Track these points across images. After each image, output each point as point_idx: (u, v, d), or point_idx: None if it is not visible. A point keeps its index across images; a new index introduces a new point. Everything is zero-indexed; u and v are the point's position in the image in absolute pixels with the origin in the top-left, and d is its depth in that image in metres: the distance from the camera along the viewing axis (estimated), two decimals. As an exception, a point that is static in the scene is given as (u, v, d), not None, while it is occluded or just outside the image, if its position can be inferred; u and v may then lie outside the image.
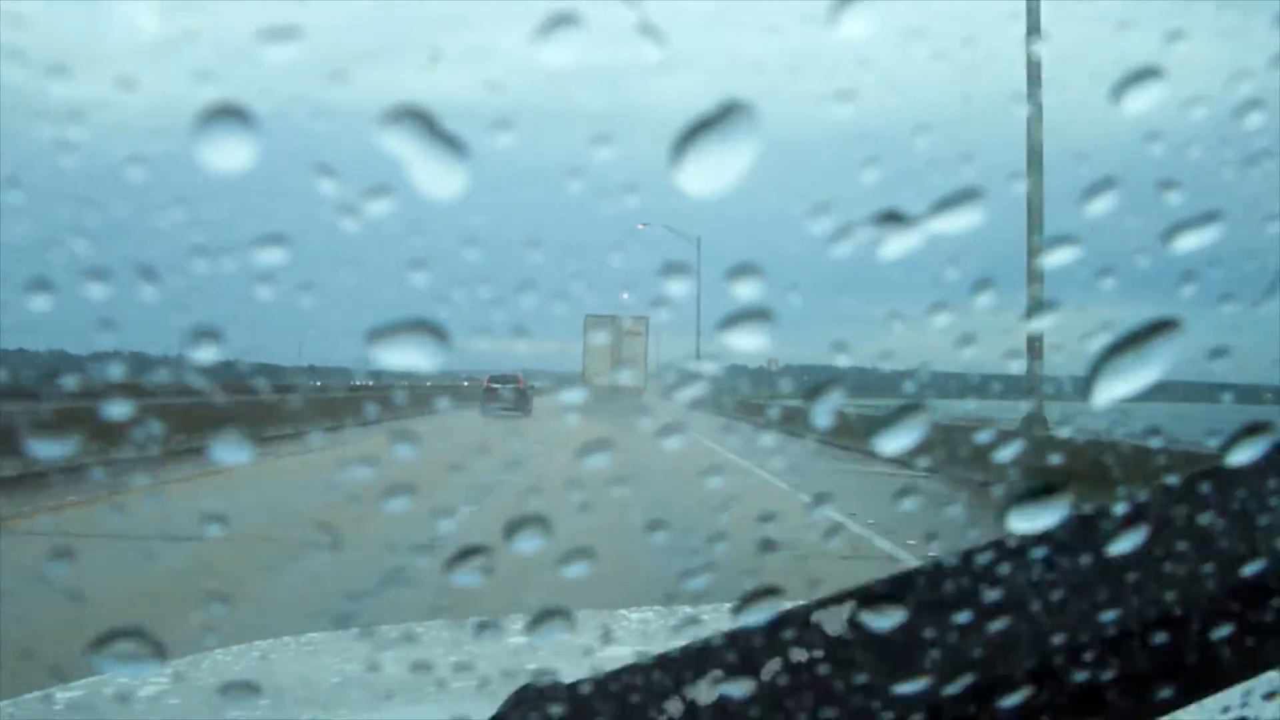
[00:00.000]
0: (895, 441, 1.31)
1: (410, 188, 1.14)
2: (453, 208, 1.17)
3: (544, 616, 1.39)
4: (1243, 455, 1.41)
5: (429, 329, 1.14)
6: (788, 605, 1.20)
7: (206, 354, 1.33)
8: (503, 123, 1.57)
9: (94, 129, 1.55)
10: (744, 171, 1.11)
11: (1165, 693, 1.15)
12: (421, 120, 1.10)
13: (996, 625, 1.16)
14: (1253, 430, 1.40)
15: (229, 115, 1.13)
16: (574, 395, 2.01)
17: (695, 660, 1.18)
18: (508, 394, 34.31)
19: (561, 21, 1.27)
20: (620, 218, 2.06)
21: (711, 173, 1.12)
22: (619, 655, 2.13)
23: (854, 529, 13.95)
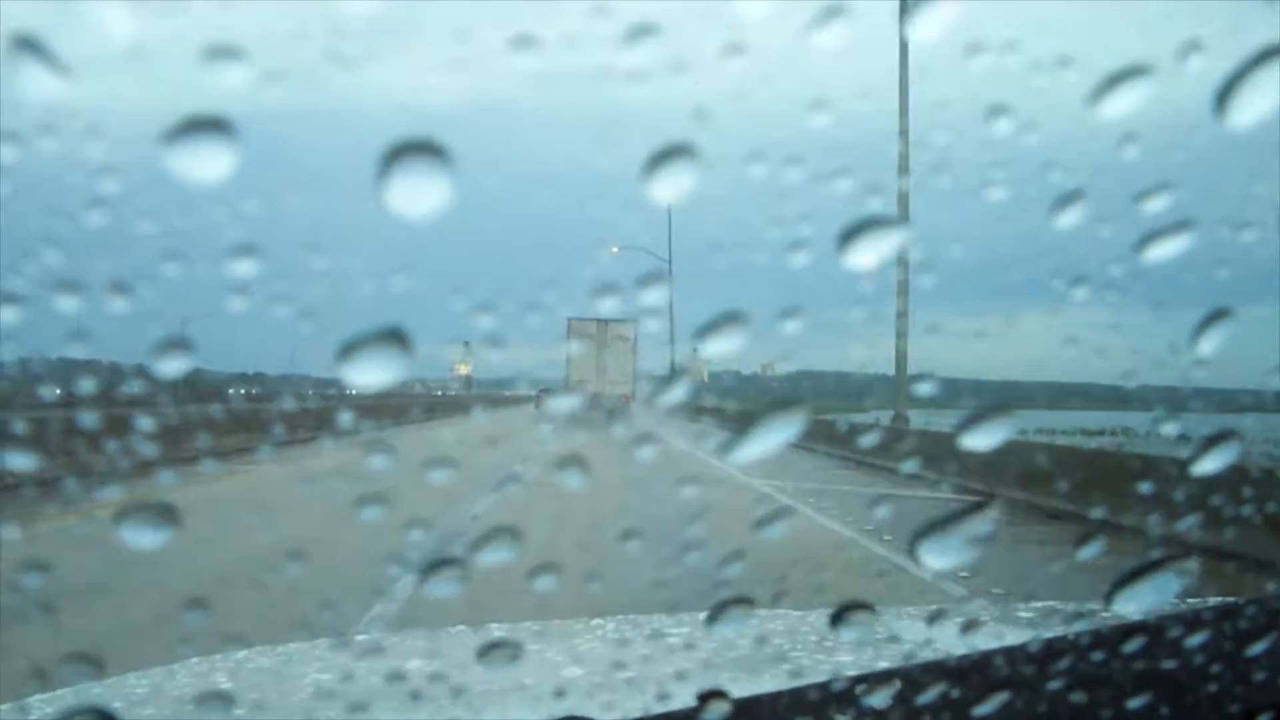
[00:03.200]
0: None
1: (388, 199, 1.13)
2: (430, 219, 1.17)
3: (520, 628, 1.39)
4: (1209, 465, 1.43)
5: (397, 340, 1.14)
6: (760, 612, 1.21)
7: (172, 365, 1.32)
8: (482, 130, 1.57)
9: (65, 138, 1.54)
10: (690, 189, 1.27)
11: None
12: (415, 146, 1.10)
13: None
14: (1218, 440, 1.42)
15: (205, 125, 1.12)
16: (555, 406, 1.98)
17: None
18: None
19: (534, 34, 1.27)
20: (601, 223, 2.06)
21: (669, 189, 1.26)
22: (596, 665, 2.14)
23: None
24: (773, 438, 1.27)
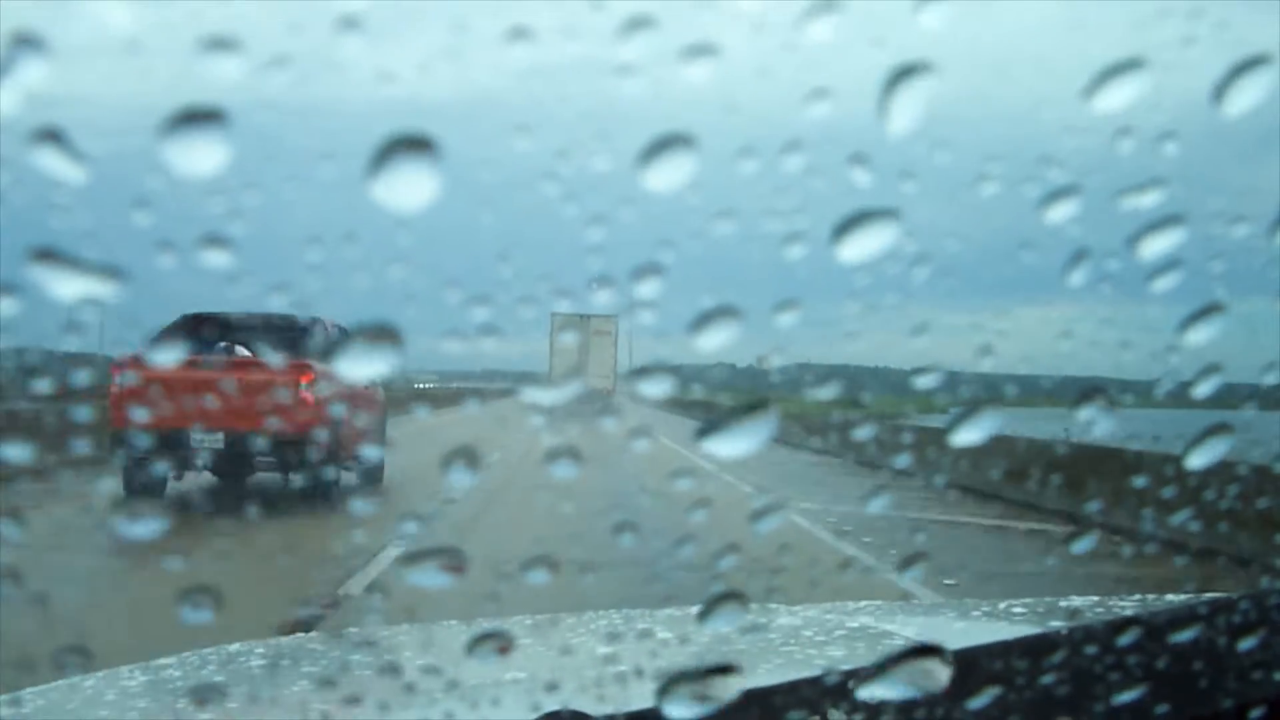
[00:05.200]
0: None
1: (379, 193, 1.13)
2: (420, 211, 1.17)
3: (513, 621, 1.39)
4: (1201, 458, 1.44)
5: (389, 335, 1.13)
6: (753, 607, 1.21)
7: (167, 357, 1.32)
8: (472, 123, 1.57)
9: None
10: (686, 179, 1.26)
11: None
12: (405, 142, 1.09)
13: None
14: (1211, 433, 1.43)
15: (201, 118, 1.12)
16: (538, 398, 2.00)
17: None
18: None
19: (529, 26, 1.27)
20: (589, 217, 2.06)
21: (665, 179, 1.26)
22: (589, 659, 2.14)
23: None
24: (747, 439, 1.26)
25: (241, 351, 14.74)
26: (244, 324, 14.47)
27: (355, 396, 15.15)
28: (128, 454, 12.62)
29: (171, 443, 13.10)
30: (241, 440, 12.97)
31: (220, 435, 13.04)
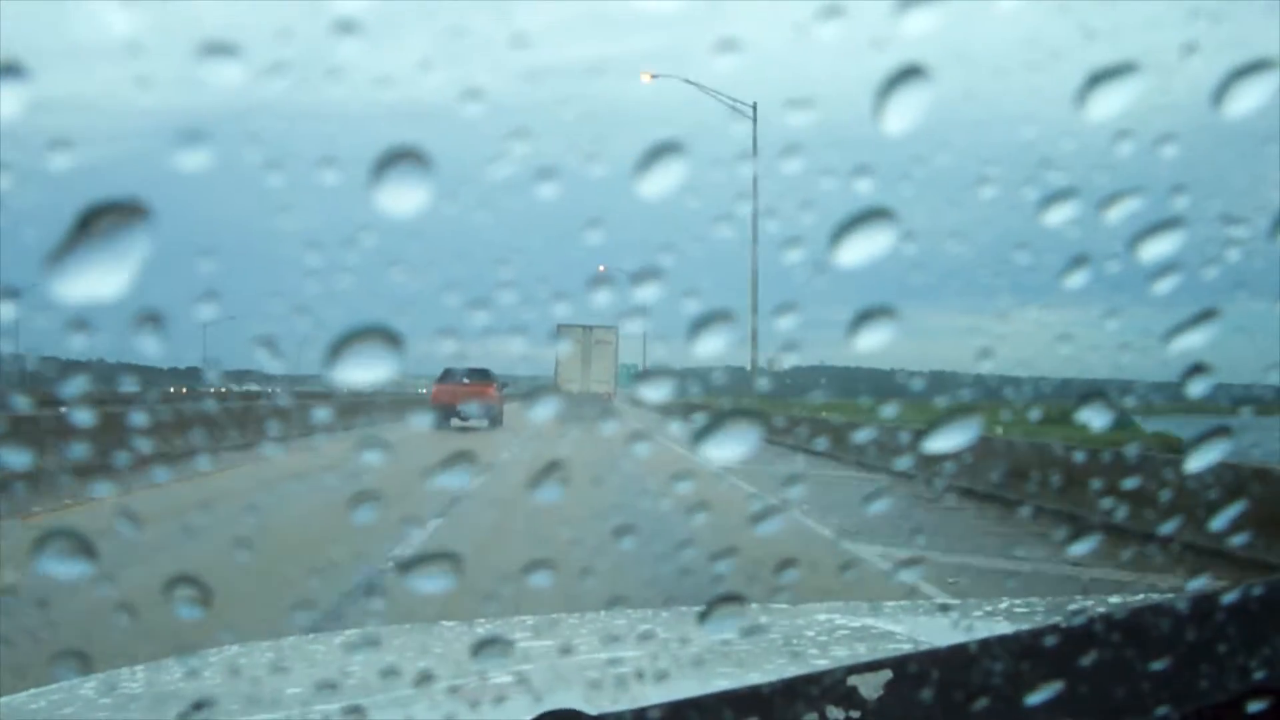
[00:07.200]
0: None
1: (381, 200, 1.13)
2: (421, 216, 1.17)
3: (513, 622, 1.39)
4: (1199, 461, 1.44)
5: (388, 337, 1.14)
6: (754, 607, 1.21)
7: (150, 347, 1.32)
8: (475, 130, 1.57)
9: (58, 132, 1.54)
10: (681, 184, 1.30)
11: None
12: (405, 154, 1.10)
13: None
14: (1209, 436, 1.43)
15: (202, 124, 1.12)
16: (548, 401, 2.05)
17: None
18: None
19: (530, 30, 1.27)
20: (594, 219, 2.07)
21: (661, 184, 1.29)
22: (589, 659, 2.14)
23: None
24: (738, 444, 1.29)
25: (465, 380, 34.72)
26: (467, 370, 34.34)
27: (499, 395, 35.51)
28: (436, 411, 29.38)
29: (450, 408, 31.05)
30: (474, 408, 32.39)
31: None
